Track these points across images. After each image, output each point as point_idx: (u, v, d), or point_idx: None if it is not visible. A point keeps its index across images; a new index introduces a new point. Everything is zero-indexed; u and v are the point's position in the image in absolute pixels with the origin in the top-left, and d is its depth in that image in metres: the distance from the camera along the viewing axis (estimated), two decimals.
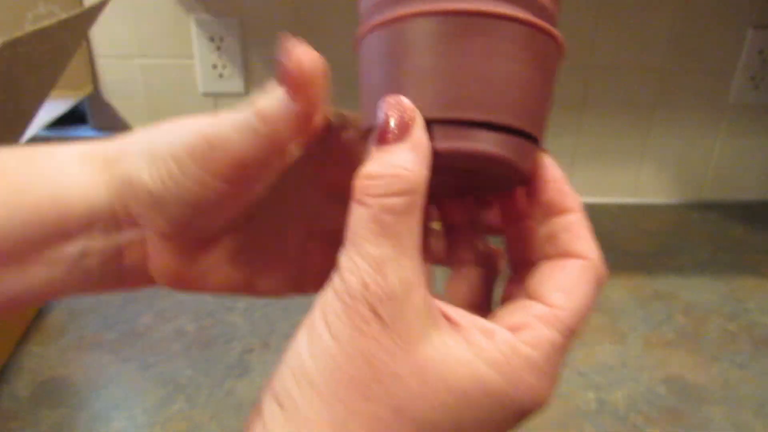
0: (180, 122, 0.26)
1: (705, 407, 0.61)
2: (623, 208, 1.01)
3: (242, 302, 0.76)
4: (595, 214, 0.98)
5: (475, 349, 0.21)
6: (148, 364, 0.66)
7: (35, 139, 0.86)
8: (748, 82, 0.95)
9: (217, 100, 0.95)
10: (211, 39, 0.91)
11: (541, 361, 0.22)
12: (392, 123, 0.22)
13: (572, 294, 0.25)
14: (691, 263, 0.86)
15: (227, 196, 0.25)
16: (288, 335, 0.28)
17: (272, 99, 0.24)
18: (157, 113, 0.96)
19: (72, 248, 0.26)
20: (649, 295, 0.79)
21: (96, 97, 0.95)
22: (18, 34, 0.46)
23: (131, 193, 0.25)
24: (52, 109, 0.85)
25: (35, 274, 0.25)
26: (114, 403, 0.61)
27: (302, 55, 0.24)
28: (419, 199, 0.21)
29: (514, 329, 0.22)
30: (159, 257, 0.27)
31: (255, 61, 0.93)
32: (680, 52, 0.93)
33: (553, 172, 0.27)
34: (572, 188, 0.26)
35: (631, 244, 0.90)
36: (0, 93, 0.50)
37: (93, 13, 0.59)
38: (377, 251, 0.20)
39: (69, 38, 0.57)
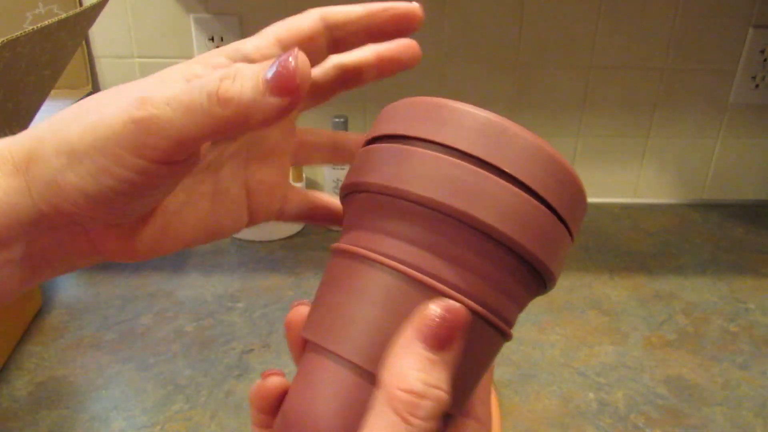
0: (91, 107, 0.24)
1: (705, 407, 0.61)
2: (623, 208, 1.01)
3: (242, 302, 0.76)
4: (595, 214, 0.98)
5: None
6: (148, 364, 0.65)
7: None
8: (749, 82, 0.95)
9: None
10: (211, 38, 0.91)
11: None
12: None
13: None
14: (692, 263, 0.86)
15: (170, 174, 0.24)
16: None
17: (247, 88, 0.22)
18: None
19: (12, 254, 0.24)
20: (650, 295, 0.79)
21: None
22: (18, 34, 0.46)
23: (60, 195, 0.23)
24: (51, 109, 0.85)
25: None
26: (113, 403, 0.60)
27: (302, 60, 0.22)
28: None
29: None
30: (106, 241, 0.26)
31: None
32: (681, 52, 0.93)
33: None
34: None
35: (632, 244, 0.90)
36: (0, 93, 0.50)
37: (92, 12, 0.59)
38: None
39: (68, 38, 0.57)
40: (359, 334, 0.22)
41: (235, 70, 0.22)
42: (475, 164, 0.22)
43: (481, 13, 0.90)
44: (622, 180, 1.02)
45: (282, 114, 0.22)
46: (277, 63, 0.22)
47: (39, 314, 0.73)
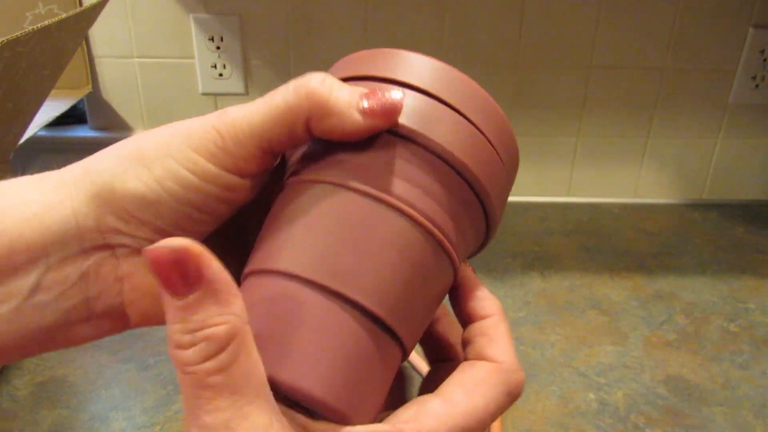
0: (164, 127, 0.24)
1: (705, 407, 0.61)
2: (623, 208, 1.01)
3: None
4: (595, 214, 0.98)
5: None
6: (148, 364, 0.65)
7: (35, 139, 0.86)
8: (749, 82, 0.95)
9: (217, 100, 0.95)
10: (211, 39, 0.91)
11: None
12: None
13: (472, 393, 0.23)
14: (692, 263, 0.86)
15: (231, 192, 0.24)
16: None
17: (344, 98, 0.23)
18: (157, 113, 0.96)
19: (26, 279, 0.22)
20: (650, 295, 0.79)
21: (95, 97, 0.95)
22: (18, 34, 0.46)
23: (110, 203, 0.23)
24: (51, 109, 0.85)
25: None
26: (114, 403, 0.60)
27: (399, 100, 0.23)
28: (245, 335, 0.19)
29: (404, 422, 0.22)
30: (134, 280, 0.25)
31: (255, 61, 0.93)
32: (681, 52, 0.93)
33: (471, 282, 0.27)
34: (489, 294, 0.27)
35: (632, 244, 0.90)
36: (0, 93, 0.50)
37: (92, 12, 0.59)
38: (215, 418, 0.18)
39: (68, 38, 0.57)
40: (302, 248, 0.22)
41: (323, 76, 0.24)
42: (428, 96, 0.24)
43: (481, 13, 0.90)
44: (622, 180, 1.02)
45: (365, 133, 0.23)
46: (380, 95, 0.23)
47: None
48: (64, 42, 0.56)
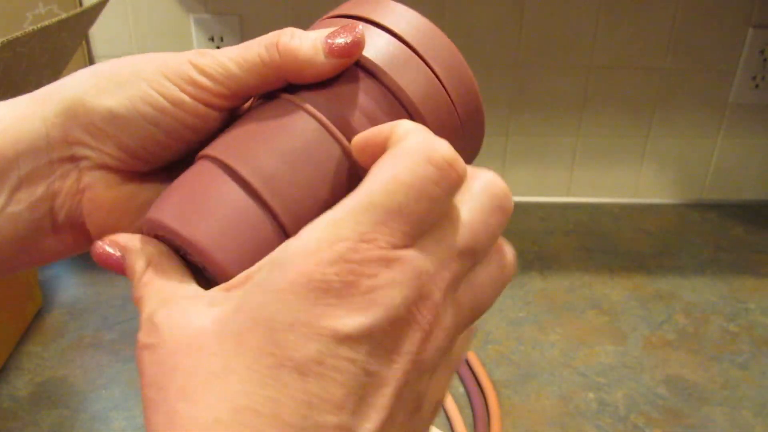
0: (146, 56, 0.26)
1: (705, 407, 0.61)
2: (623, 208, 1.01)
3: None
4: (595, 214, 0.98)
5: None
6: None
7: None
8: (749, 82, 0.95)
9: None
10: (211, 39, 0.91)
11: (307, 235, 0.20)
12: None
13: (371, 174, 0.21)
14: (692, 263, 0.86)
15: (195, 124, 0.25)
16: None
17: (306, 45, 0.24)
18: None
19: None
20: (650, 295, 0.79)
21: None
22: (18, 34, 0.46)
23: (80, 116, 0.24)
24: None
25: None
26: (114, 403, 0.60)
27: (362, 34, 0.25)
28: (148, 283, 0.24)
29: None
30: (94, 192, 0.26)
31: None
32: (680, 52, 0.93)
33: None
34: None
35: (631, 244, 0.90)
36: (0, 93, 0.50)
37: (92, 12, 0.59)
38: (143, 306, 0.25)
39: (69, 38, 0.57)
40: (264, 157, 0.24)
41: (291, 30, 0.25)
42: (405, 45, 0.26)
43: (481, 13, 0.90)
44: (622, 180, 1.02)
45: (333, 72, 0.25)
46: (343, 34, 0.24)
47: (39, 314, 0.73)
48: (65, 42, 0.56)
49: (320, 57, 0.24)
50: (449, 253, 0.21)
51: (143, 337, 0.23)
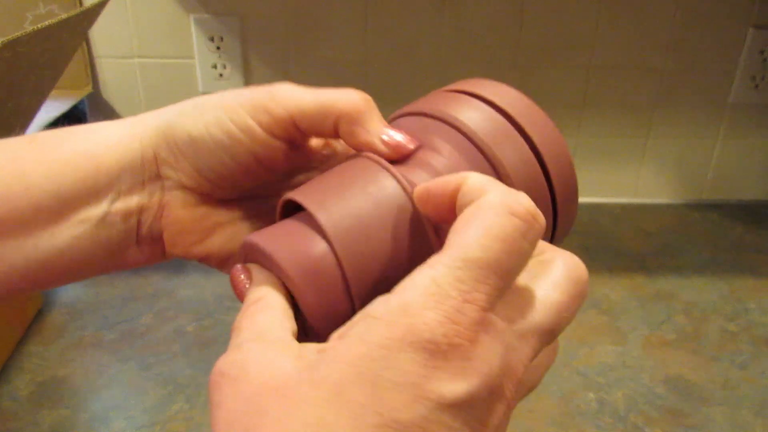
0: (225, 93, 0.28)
1: (705, 407, 0.61)
2: (623, 208, 1.01)
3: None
4: (595, 214, 0.98)
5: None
6: (148, 364, 0.65)
7: None
8: (749, 82, 0.95)
9: None
10: (211, 39, 0.91)
11: (410, 293, 0.19)
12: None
13: (461, 230, 0.20)
14: (691, 263, 0.86)
15: (273, 153, 0.28)
16: None
17: (371, 126, 0.27)
18: None
19: (98, 209, 0.27)
20: (650, 295, 0.79)
21: (95, 97, 0.95)
22: (18, 34, 0.46)
23: (166, 137, 0.27)
24: (52, 109, 0.85)
25: (63, 237, 0.26)
26: (114, 403, 0.61)
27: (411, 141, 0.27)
28: (253, 314, 0.24)
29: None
30: (171, 209, 0.29)
31: (255, 61, 0.93)
32: (680, 52, 0.93)
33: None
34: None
35: (631, 244, 0.90)
36: (0, 93, 0.50)
37: (93, 13, 0.59)
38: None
39: (69, 38, 0.57)
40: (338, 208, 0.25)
41: (367, 109, 0.27)
42: (506, 118, 0.28)
43: (481, 13, 0.90)
44: (621, 180, 1.02)
45: (393, 157, 0.27)
46: (402, 135, 0.27)
47: (39, 314, 0.73)
48: (65, 42, 0.56)
49: (380, 145, 0.27)
50: (533, 330, 0.21)
51: (226, 365, 0.21)
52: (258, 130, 0.27)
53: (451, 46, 0.92)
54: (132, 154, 0.27)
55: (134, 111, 0.96)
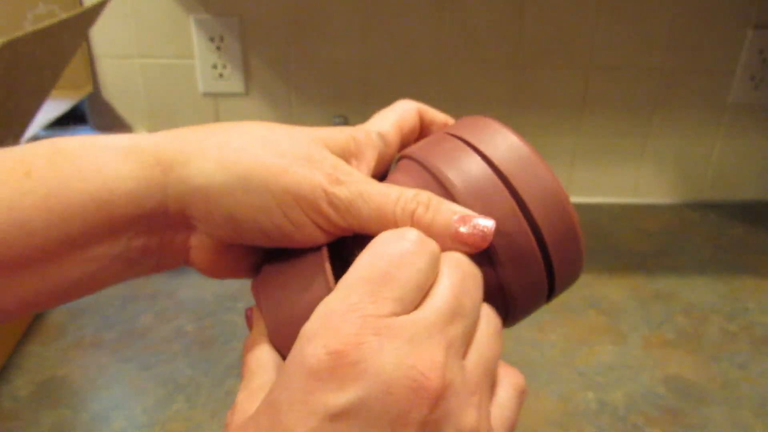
0: (266, 136, 0.26)
1: (705, 407, 0.62)
2: (623, 208, 1.01)
3: (242, 302, 0.76)
4: (595, 214, 0.98)
5: None
6: (148, 364, 0.66)
7: (35, 139, 0.86)
8: (748, 82, 0.95)
9: (217, 100, 0.95)
10: (211, 39, 0.91)
11: (307, 324, 0.23)
12: None
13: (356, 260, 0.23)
14: (691, 263, 0.86)
15: (309, 239, 0.27)
16: None
17: (439, 224, 0.25)
18: (157, 113, 0.96)
19: (114, 247, 0.25)
20: (649, 295, 0.79)
21: (96, 97, 0.95)
22: (18, 34, 0.46)
23: (200, 206, 0.25)
24: (52, 109, 0.85)
25: (74, 272, 0.25)
26: (114, 403, 0.61)
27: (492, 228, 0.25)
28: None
29: None
30: (200, 251, 0.28)
31: (255, 61, 0.93)
32: (680, 52, 0.93)
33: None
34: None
35: (631, 244, 0.90)
36: (0, 93, 0.50)
37: (93, 13, 0.59)
38: None
39: (69, 38, 0.57)
40: None
41: (429, 198, 0.25)
42: (501, 179, 0.27)
43: (481, 13, 0.90)
44: (621, 180, 1.02)
45: (454, 248, 0.25)
46: (474, 223, 0.25)
47: (39, 314, 0.73)
48: (65, 42, 0.56)
49: (447, 241, 0.25)
50: (440, 319, 0.22)
51: (229, 412, 0.25)
52: (311, 225, 0.25)
53: (451, 46, 0.92)
54: (152, 203, 0.25)
55: (134, 111, 0.96)
